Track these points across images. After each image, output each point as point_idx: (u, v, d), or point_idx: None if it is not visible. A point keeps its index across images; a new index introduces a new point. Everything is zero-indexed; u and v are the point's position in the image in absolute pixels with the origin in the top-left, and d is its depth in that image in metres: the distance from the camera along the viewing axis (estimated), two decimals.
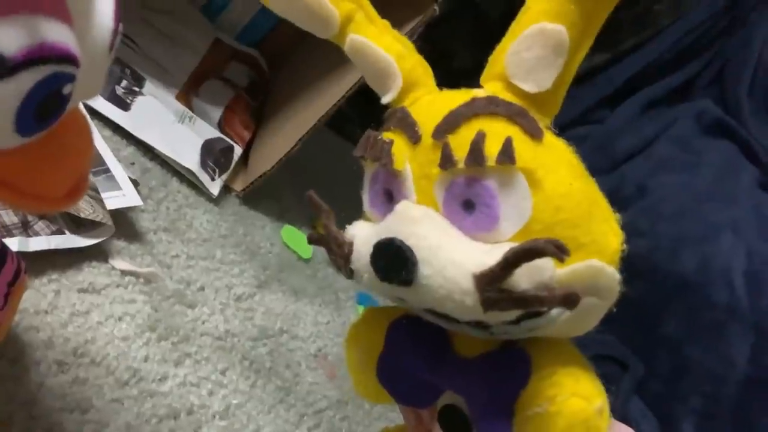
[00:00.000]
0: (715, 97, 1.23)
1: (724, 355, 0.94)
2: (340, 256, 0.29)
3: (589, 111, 1.23)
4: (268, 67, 0.85)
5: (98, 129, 0.62)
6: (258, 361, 0.56)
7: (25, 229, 0.45)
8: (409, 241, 0.26)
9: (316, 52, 0.82)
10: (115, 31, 0.24)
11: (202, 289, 0.58)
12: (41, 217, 0.47)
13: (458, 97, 0.28)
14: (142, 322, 0.50)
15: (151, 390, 0.46)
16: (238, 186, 0.72)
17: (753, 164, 1.13)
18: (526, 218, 0.26)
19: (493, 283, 0.25)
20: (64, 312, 0.45)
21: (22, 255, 0.44)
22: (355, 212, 0.30)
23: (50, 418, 0.40)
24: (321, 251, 0.76)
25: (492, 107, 0.27)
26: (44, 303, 0.45)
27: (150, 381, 0.47)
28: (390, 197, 0.29)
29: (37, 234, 0.46)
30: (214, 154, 0.70)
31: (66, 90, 0.22)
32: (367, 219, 0.31)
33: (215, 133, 0.72)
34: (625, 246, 0.29)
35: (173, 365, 0.49)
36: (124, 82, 0.66)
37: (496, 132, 0.26)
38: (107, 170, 0.55)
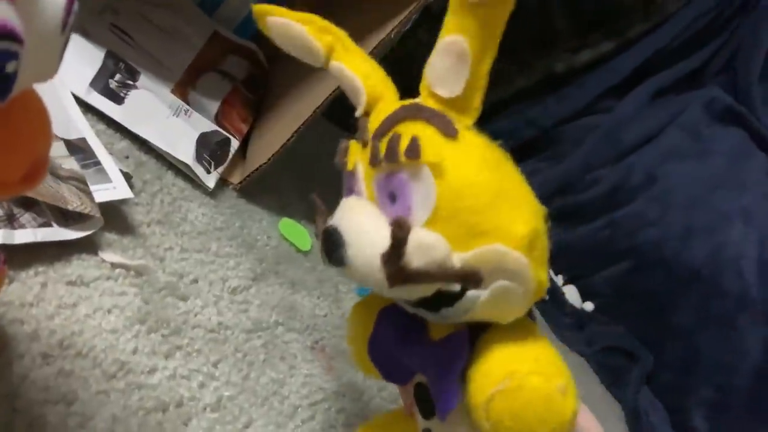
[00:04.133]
0: (725, 84, 1.21)
1: (735, 345, 0.93)
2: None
3: (597, 100, 1.22)
4: (267, 60, 0.85)
5: (92, 123, 0.61)
6: (252, 354, 0.56)
7: (10, 221, 0.45)
8: (341, 227, 0.31)
9: None
10: (69, 9, 0.24)
11: (195, 281, 0.57)
12: (27, 210, 0.46)
13: (397, 106, 0.33)
14: (132, 315, 0.49)
15: (139, 382, 0.46)
16: (236, 179, 0.72)
17: (764, 152, 1.11)
18: (432, 205, 0.30)
19: (390, 260, 0.29)
20: (50, 304, 0.45)
21: (7, 248, 0.44)
22: None
23: (33, 410, 0.39)
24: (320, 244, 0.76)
25: (414, 112, 0.31)
26: (30, 295, 0.44)
27: (138, 373, 0.46)
28: (351, 194, 0.35)
29: (23, 226, 0.45)
30: (210, 147, 0.69)
31: (9, 68, 0.21)
32: None
33: (211, 126, 0.72)
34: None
35: (163, 358, 0.49)
36: (118, 76, 0.65)
37: (410, 133, 0.31)
38: (97, 163, 0.55)
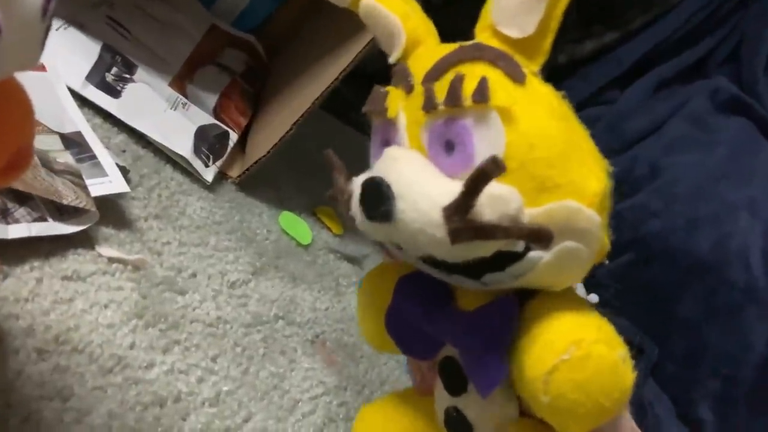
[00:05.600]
0: (730, 74, 1.19)
1: (741, 337, 0.92)
2: (343, 203, 0.31)
3: (600, 91, 1.21)
4: (266, 53, 0.84)
5: (88, 117, 0.61)
6: (251, 348, 0.55)
7: (4, 216, 0.44)
8: (389, 178, 0.27)
9: (314, 38, 0.81)
10: None
11: (193, 275, 0.57)
12: (22, 204, 0.46)
13: (450, 48, 0.30)
14: (129, 309, 0.49)
15: (137, 377, 0.45)
16: (235, 172, 0.72)
17: None
18: (500, 156, 0.26)
19: (457, 213, 0.26)
20: (46, 299, 0.45)
21: (1, 243, 0.44)
22: None
23: (28, 406, 0.39)
24: (320, 237, 0.75)
25: (475, 52, 0.28)
26: (25, 291, 0.44)
27: (135, 368, 0.46)
28: (388, 146, 0.31)
29: (17, 221, 0.45)
30: (208, 141, 0.69)
31: None
32: None
33: (210, 120, 0.71)
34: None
35: (161, 352, 0.48)
36: (115, 69, 0.65)
37: (475, 74, 0.27)
38: (93, 157, 0.54)
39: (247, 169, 0.70)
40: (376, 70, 0.39)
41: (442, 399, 0.35)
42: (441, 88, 0.28)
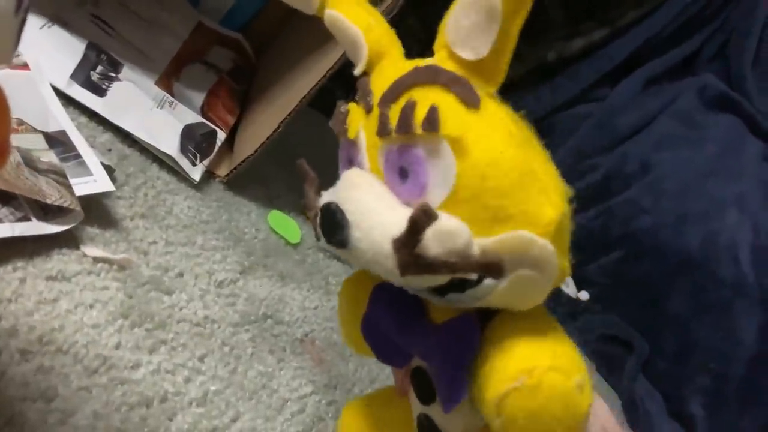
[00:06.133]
0: (718, 71, 1.20)
1: (730, 332, 0.92)
2: (311, 219, 0.31)
3: (589, 88, 1.21)
4: (254, 51, 0.84)
5: (73, 116, 0.60)
6: (239, 347, 0.55)
7: None
8: (344, 206, 0.27)
9: (301, 35, 0.80)
10: None
11: (180, 275, 0.56)
12: (5, 204, 0.45)
13: (408, 66, 0.29)
14: (115, 309, 0.48)
15: (122, 378, 0.45)
16: (223, 171, 0.71)
17: (758, 138, 1.10)
18: (451, 185, 0.26)
19: (405, 248, 0.26)
20: (29, 300, 0.44)
21: None
22: None
23: (11, 407, 0.38)
24: (309, 236, 0.75)
25: (429, 76, 0.27)
26: (8, 291, 0.43)
27: (121, 368, 0.45)
28: (351, 165, 0.31)
29: (0, 221, 0.44)
30: (195, 140, 0.68)
31: None
32: None
33: (197, 118, 0.71)
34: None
35: (147, 352, 0.48)
36: (100, 68, 0.64)
37: (427, 100, 0.27)
38: (78, 156, 0.53)
39: (235, 168, 0.69)
40: None
41: (415, 405, 0.35)
42: (395, 113, 0.28)
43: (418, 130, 0.26)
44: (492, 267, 0.26)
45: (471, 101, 0.27)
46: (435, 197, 0.27)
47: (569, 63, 1.22)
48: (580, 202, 0.31)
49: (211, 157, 0.69)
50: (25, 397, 0.39)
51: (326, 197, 0.30)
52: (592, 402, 0.28)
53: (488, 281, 0.27)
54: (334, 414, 0.56)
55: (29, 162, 0.49)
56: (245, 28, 0.84)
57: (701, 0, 1.19)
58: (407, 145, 0.27)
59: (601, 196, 1.08)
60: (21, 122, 0.52)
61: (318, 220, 0.29)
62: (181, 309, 0.53)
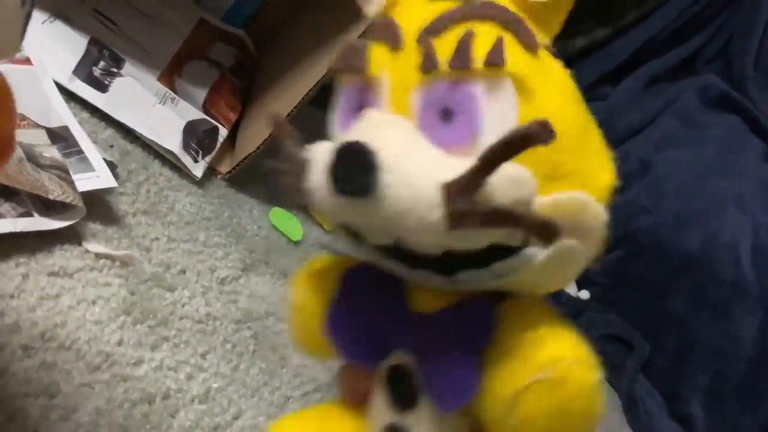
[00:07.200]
0: (720, 71, 1.20)
1: (730, 331, 0.92)
2: (294, 173, 0.26)
3: (591, 87, 1.21)
4: (255, 47, 0.83)
5: (75, 111, 0.60)
6: (241, 345, 0.55)
7: None
8: (373, 145, 0.22)
9: (304, 32, 0.80)
10: None
11: (182, 272, 0.56)
12: (7, 199, 0.45)
13: (450, 4, 0.25)
14: (117, 306, 0.48)
15: (125, 374, 0.45)
16: (225, 168, 0.71)
17: (759, 138, 1.10)
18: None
19: (462, 193, 0.22)
20: (32, 296, 0.44)
21: None
22: None
23: (14, 403, 0.38)
24: (311, 233, 0.75)
25: (486, 11, 0.24)
26: (11, 287, 0.43)
27: (123, 365, 0.45)
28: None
29: (2, 216, 0.44)
30: (197, 136, 0.68)
31: None
32: None
33: (199, 115, 0.71)
34: (610, 222, 0.26)
35: (149, 349, 0.48)
36: (102, 63, 0.64)
37: (488, 34, 0.24)
38: (80, 151, 0.53)
39: (237, 165, 0.69)
40: None
41: (382, 415, 0.29)
42: (443, 46, 0.24)
43: (480, 64, 0.23)
44: (551, 229, 0.23)
45: (531, 45, 0.24)
46: (487, 143, 0.23)
47: (570, 62, 1.21)
48: None
49: (213, 153, 0.69)
50: (28, 393, 0.39)
51: (330, 144, 0.25)
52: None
53: (529, 250, 0.23)
54: None
55: (31, 157, 0.49)
56: (247, 24, 0.84)
57: (702, 0, 1.19)
58: (459, 81, 0.24)
59: None
60: (23, 117, 0.52)
61: (327, 165, 0.23)
62: (183, 306, 0.53)
